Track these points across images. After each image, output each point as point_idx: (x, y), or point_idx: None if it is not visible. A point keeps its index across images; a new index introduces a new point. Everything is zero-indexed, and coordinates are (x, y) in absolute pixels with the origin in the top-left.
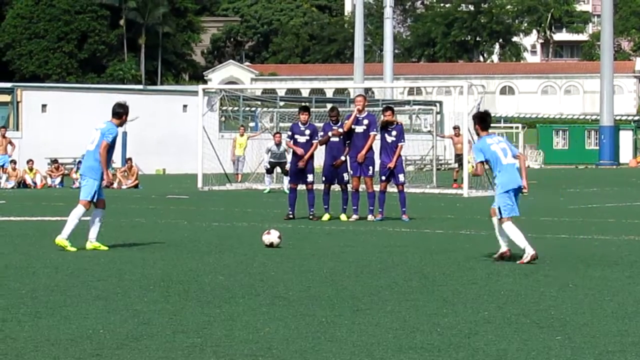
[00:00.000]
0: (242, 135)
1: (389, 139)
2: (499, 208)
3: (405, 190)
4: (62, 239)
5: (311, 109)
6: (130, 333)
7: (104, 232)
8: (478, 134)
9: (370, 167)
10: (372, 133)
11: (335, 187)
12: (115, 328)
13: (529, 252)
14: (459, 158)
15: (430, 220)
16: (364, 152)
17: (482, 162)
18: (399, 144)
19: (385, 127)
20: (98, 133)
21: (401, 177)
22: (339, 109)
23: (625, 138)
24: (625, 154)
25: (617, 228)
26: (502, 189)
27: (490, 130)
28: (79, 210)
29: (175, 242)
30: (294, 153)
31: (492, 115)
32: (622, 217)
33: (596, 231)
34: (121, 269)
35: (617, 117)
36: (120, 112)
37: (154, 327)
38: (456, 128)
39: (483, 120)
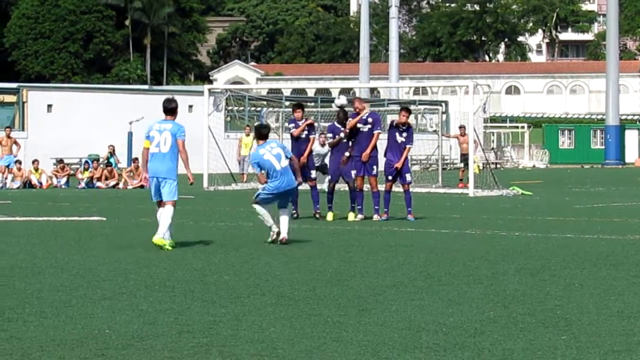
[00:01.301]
0: (247, 135)
1: (399, 139)
2: (258, 195)
3: (410, 190)
4: (160, 238)
5: (317, 109)
6: (135, 333)
7: (109, 232)
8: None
9: (375, 167)
10: (375, 132)
11: (341, 187)
12: (121, 328)
13: (275, 230)
14: (464, 158)
15: (435, 220)
16: (368, 151)
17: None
18: (408, 146)
19: (397, 127)
20: (167, 134)
21: (408, 177)
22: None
23: (631, 137)
24: (631, 154)
25: (622, 228)
26: (269, 191)
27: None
28: (170, 210)
29: (181, 242)
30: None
31: (498, 114)
32: (627, 217)
33: (602, 231)
34: (127, 269)
35: (623, 117)
36: (174, 108)
37: (159, 327)
38: (462, 127)
39: (258, 132)
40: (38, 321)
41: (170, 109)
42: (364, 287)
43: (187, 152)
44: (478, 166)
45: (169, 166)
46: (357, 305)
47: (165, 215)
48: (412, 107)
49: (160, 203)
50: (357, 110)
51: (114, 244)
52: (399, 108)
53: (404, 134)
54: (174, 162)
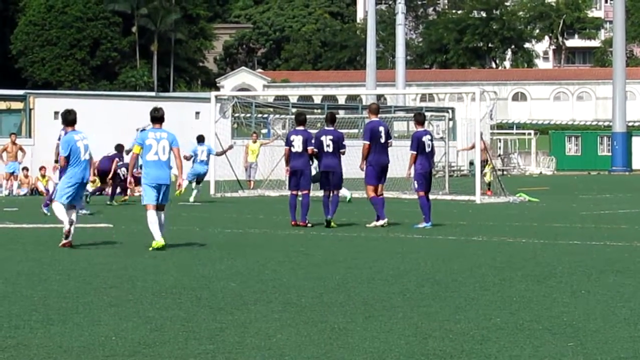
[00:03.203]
0: (254, 142)
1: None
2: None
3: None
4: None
5: (324, 116)
6: (142, 340)
7: (116, 239)
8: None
9: (416, 182)
10: (411, 152)
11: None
12: (128, 335)
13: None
14: (483, 165)
15: (442, 226)
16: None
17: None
18: (412, 152)
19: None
20: (165, 142)
21: (416, 184)
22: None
23: (638, 144)
24: (638, 160)
25: (629, 234)
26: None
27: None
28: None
29: (188, 248)
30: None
31: (505, 121)
32: (634, 224)
33: (609, 237)
34: (133, 276)
35: (630, 124)
36: (162, 116)
37: (166, 333)
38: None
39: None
40: (45, 328)
41: (159, 117)
42: (371, 294)
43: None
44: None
45: (169, 173)
46: (364, 312)
47: (163, 217)
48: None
49: (157, 207)
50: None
51: (121, 250)
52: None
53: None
54: (170, 168)
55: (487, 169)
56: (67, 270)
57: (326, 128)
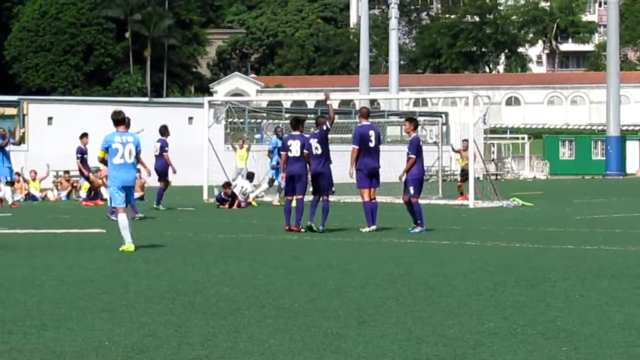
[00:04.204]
0: (241, 147)
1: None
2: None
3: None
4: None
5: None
6: (135, 345)
7: (109, 244)
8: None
9: (412, 188)
10: (411, 156)
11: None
12: (121, 340)
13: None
14: (464, 171)
15: (436, 231)
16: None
17: None
18: (411, 157)
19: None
20: (131, 146)
21: (412, 190)
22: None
23: (632, 148)
24: (632, 164)
25: (624, 238)
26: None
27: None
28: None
29: (181, 254)
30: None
31: (499, 125)
32: (629, 228)
33: (603, 242)
34: (126, 281)
35: (624, 128)
36: (124, 118)
37: (159, 339)
38: (465, 141)
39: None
40: (38, 333)
41: (121, 120)
42: (364, 299)
43: None
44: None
45: (135, 175)
46: (357, 317)
47: (124, 220)
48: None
49: (123, 209)
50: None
51: (114, 256)
52: (404, 119)
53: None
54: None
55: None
56: (61, 275)
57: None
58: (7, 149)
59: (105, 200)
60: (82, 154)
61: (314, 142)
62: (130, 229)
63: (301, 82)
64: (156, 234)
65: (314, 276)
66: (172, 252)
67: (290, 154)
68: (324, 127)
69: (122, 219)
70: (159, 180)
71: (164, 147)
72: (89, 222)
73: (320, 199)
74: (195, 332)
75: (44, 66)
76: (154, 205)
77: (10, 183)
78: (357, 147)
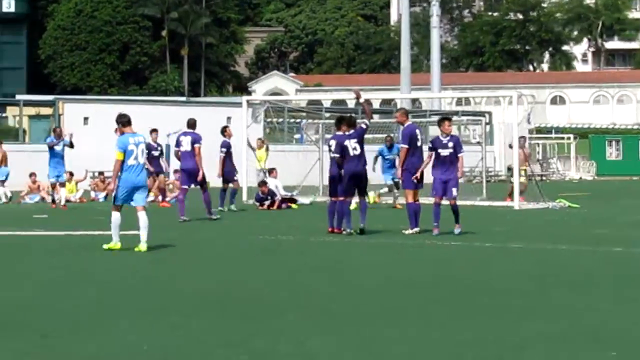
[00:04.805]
0: (260, 147)
1: (446, 152)
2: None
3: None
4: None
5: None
6: (172, 348)
7: (146, 245)
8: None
9: (455, 189)
10: (460, 155)
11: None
12: (157, 343)
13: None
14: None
15: (479, 233)
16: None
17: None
18: (461, 155)
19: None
20: (143, 146)
21: (455, 191)
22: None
23: None
24: None
25: None
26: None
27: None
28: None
29: (219, 256)
30: (337, 164)
31: (543, 125)
32: None
33: None
34: (163, 283)
35: None
36: (130, 119)
37: (196, 342)
38: (522, 138)
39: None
40: (73, 337)
41: (129, 121)
42: (407, 301)
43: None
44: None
45: (146, 175)
46: (399, 320)
47: (146, 221)
48: (454, 118)
49: (120, 208)
50: (398, 122)
51: (150, 257)
52: (438, 119)
53: (450, 144)
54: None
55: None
56: (97, 278)
57: (345, 133)
58: (57, 149)
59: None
60: (150, 150)
61: (352, 142)
62: (144, 227)
63: (341, 80)
64: (193, 235)
65: (355, 278)
66: (209, 254)
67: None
68: (363, 126)
69: (116, 217)
70: (227, 182)
71: (224, 147)
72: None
73: (359, 199)
74: (233, 334)
75: (80, 65)
76: (230, 208)
77: (61, 184)
78: (407, 146)
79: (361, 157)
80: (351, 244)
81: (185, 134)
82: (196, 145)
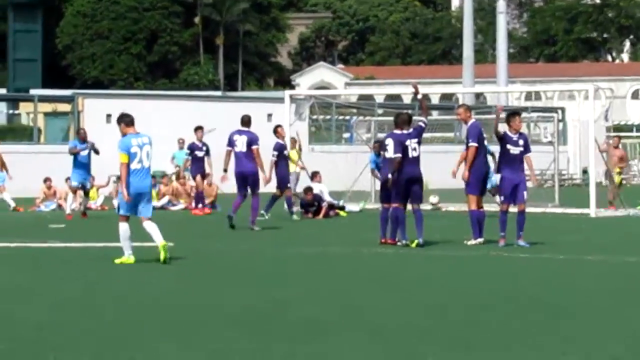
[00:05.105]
0: (292, 148)
1: (516, 150)
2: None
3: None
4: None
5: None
6: None
7: (178, 258)
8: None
9: (524, 192)
10: (527, 155)
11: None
12: None
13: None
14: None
15: (551, 244)
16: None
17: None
18: (529, 155)
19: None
20: (148, 147)
21: (526, 195)
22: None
23: None
24: None
25: None
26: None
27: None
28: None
29: (259, 270)
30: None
31: (623, 122)
32: None
33: None
34: (196, 301)
35: None
36: (133, 119)
37: None
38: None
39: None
40: None
41: (132, 121)
42: (468, 322)
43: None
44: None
45: (150, 181)
46: (460, 342)
47: (154, 226)
48: (523, 115)
49: (127, 218)
50: (461, 119)
51: (183, 272)
52: (507, 114)
53: (520, 142)
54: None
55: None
56: (120, 293)
57: (404, 131)
58: (82, 153)
59: (212, 207)
60: (193, 150)
61: (412, 142)
62: (156, 234)
63: (396, 73)
64: (230, 247)
65: (411, 295)
66: (248, 268)
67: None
68: (422, 125)
69: (125, 228)
70: (281, 189)
71: (277, 150)
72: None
73: (413, 208)
74: (276, 359)
75: (101, 56)
76: (290, 212)
77: (84, 191)
78: (476, 145)
79: (419, 159)
80: (407, 256)
81: (240, 132)
82: (254, 147)
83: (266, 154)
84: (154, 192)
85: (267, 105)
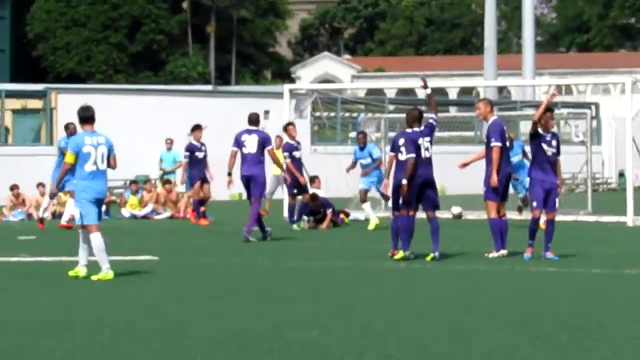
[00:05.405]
0: (278, 147)
1: (549, 150)
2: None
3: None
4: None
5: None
6: None
7: (162, 275)
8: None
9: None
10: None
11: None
12: None
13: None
14: None
15: (583, 256)
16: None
17: None
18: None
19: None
20: (104, 148)
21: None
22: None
23: None
24: None
25: None
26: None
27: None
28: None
29: (255, 287)
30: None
31: None
32: None
33: None
34: (185, 322)
35: None
36: (93, 115)
37: None
38: None
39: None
40: None
41: (89, 117)
42: (493, 345)
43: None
44: None
45: (106, 184)
46: None
47: (101, 243)
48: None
49: (97, 227)
50: (481, 116)
51: (169, 290)
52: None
53: (553, 142)
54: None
55: None
56: (100, 315)
57: (415, 129)
58: None
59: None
60: (192, 151)
61: (424, 142)
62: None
63: (408, 64)
64: (223, 261)
65: (428, 315)
66: (240, 285)
67: (400, 157)
68: (432, 122)
69: (98, 239)
70: (295, 195)
71: (287, 151)
72: (137, 246)
73: (428, 216)
74: None
75: (78, 46)
76: (291, 221)
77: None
78: (500, 144)
79: (431, 160)
80: (421, 271)
81: (249, 132)
82: (269, 148)
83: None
84: (136, 200)
85: (264, 101)
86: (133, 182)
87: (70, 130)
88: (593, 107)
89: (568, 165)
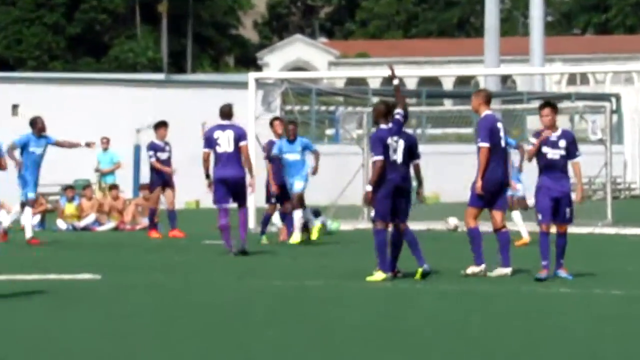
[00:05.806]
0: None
1: (554, 153)
2: None
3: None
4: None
5: (421, 108)
6: None
7: (107, 295)
8: None
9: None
10: (576, 161)
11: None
12: None
13: None
14: None
15: (602, 275)
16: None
17: None
18: (578, 160)
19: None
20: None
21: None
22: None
23: None
24: None
25: None
26: None
27: None
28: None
29: (218, 310)
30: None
31: None
32: None
33: None
34: (130, 353)
35: None
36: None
37: None
38: None
39: None
40: None
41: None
42: None
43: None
44: None
45: None
46: None
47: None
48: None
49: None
50: (473, 110)
51: (113, 314)
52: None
53: (561, 143)
54: None
55: None
56: (33, 344)
57: (383, 127)
58: (36, 151)
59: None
60: (155, 150)
61: (393, 141)
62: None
63: (396, 49)
64: (179, 280)
65: (417, 342)
66: (203, 309)
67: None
68: (399, 117)
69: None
70: (275, 202)
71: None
72: (77, 263)
73: (399, 229)
74: None
75: (6, 27)
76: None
77: (32, 203)
78: (488, 145)
79: (407, 164)
80: (409, 291)
81: (222, 127)
82: (243, 144)
83: None
84: (73, 208)
85: (226, 92)
86: (69, 187)
87: (39, 126)
88: (613, 99)
89: (584, 168)
